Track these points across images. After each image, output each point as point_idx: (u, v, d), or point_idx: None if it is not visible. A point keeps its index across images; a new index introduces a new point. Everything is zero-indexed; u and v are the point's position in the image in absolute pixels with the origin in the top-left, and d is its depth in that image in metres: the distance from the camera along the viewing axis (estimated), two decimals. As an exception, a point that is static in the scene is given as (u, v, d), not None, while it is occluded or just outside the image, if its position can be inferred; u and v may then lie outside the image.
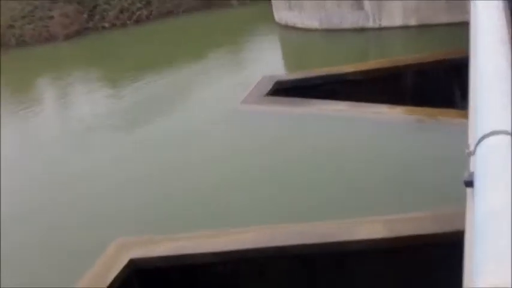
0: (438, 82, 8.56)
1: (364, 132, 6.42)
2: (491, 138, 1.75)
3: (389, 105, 7.01)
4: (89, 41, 16.01)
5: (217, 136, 7.04)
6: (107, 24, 17.00)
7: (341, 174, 5.46)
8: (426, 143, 5.81)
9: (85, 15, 16.96)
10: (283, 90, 8.37)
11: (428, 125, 6.23)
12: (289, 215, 4.74)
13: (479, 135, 1.82)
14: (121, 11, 17.16)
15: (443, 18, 10.94)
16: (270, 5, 13.95)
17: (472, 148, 1.82)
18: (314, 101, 7.52)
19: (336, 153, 5.97)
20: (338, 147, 6.15)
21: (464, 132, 2.62)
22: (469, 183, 1.77)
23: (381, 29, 11.66)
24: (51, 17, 16.73)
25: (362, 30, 11.77)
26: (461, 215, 2.07)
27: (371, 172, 5.38)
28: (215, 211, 5.16)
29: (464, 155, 1.91)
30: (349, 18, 11.96)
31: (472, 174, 1.74)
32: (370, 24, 11.78)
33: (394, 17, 11.54)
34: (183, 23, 16.52)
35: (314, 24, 12.53)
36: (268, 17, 13.98)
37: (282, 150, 6.31)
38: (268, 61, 10.85)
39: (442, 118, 6.20)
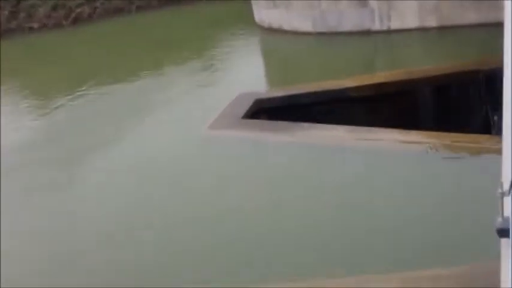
0: (465, 100, 8.68)
1: (371, 167, 6.41)
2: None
3: (403, 131, 7.06)
4: (11, 46, 15.92)
5: (173, 175, 6.96)
6: (35, 25, 16.96)
7: (339, 229, 5.40)
8: (450, 180, 5.82)
9: (6, 13, 16.91)
10: (265, 111, 8.40)
11: (452, 156, 6.26)
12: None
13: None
14: (54, 8, 17.16)
15: (471, 18, 11.16)
16: (248, 3, 14.11)
17: (506, 187, 1.80)
18: (305, 125, 7.54)
19: (334, 199, 5.92)
20: (336, 189, 6.11)
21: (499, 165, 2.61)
22: (503, 232, 1.74)
23: (390, 32, 11.84)
24: (-39, 15, 16.67)
25: (366, 33, 11.93)
26: (495, 271, 2.04)
27: (379, 224, 5.34)
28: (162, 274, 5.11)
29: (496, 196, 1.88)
30: (351, 19, 12.14)
31: (506, 220, 1.71)
32: (377, 26, 11.97)
33: (408, 17, 11.75)
34: (136, 24, 16.56)
35: (306, 26, 12.68)
36: (246, 17, 14.14)
37: (260, 193, 6.25)
38: (246, 75, 10.89)
39: (471, 147, 6.24)
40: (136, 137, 8.50)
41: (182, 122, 8.62)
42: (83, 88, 11.30)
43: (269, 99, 8.69)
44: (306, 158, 6.87)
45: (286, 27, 13.07)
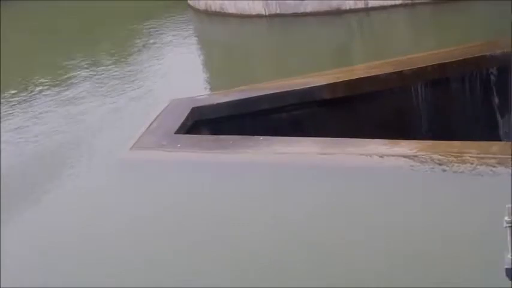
0: (470, 96, 8.81)
1: (350, 194, 6.46)
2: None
3: (392, 141, 7.13)
4: None
5: (76, 217, 6.90)
6: None
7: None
8: (452, 206, 5.90)
9: None
10: (207, 122, 8.44)
11: (452, 173, 6.34)
12: None
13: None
14: None
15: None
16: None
17: None
18: (260, 139, 7.56)
19: (297, 245, 5.92)
20: (301, 229, 6.13)
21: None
22: None
23: (368, 10, 11.97)
24: None
25: (336, 14, 12.04)
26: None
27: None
28: None
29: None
30: (315, -4, 12.26)
31: None
32: (351, 4, 12.10)
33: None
34: (21, 8, 16.50)
35: (256, 7, 12.75)
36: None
37: (197, 240, 6.21)
38: (177, 76, 10.87)
39: (475, 159, 6.35)
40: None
41: (93, 143, 8.57)
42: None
43: (211, 107, 8.69)
44: (264, 185, 6.88)
45: (229, 9, 13.13)
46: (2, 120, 10.16)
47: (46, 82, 11.67)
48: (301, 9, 12.24)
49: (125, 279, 5.82)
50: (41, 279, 6.04)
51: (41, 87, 11.43)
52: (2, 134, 9.61)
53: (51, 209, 7.28)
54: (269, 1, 12.51)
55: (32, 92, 11.26)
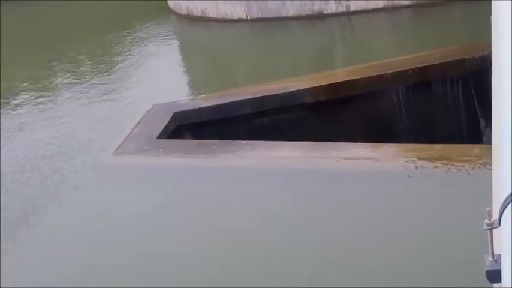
0: (451, 99, 8.85)
1: (332, 197, 6.46)
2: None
3: (374, 145, 7.15)
4: None
5: (59, 223, 6.86)
6: None
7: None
8: (432, 210, 5.92)
9: None
10: (189, 127, 8.42)
11: (434, 175, 6.39)
12: None
13: (507, 192, 1.82)
14: None
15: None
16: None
17: (495, 216, 1.83)
18: (243, 143, 7.56)
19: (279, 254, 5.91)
20: (285, 231, 6.13)
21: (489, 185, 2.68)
22: (494, 276, 1.77)
23: (349, 14, 11.99)
24: None
25: (318, 18, 12.05)
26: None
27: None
28: None
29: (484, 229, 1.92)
30: (296, 1, 12.26)
31: (497, 261, 1.74)
32: (332, 7, 12.12)
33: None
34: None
35: (237, 11, 12.75)
36: (158, 2, 14.14)
37: (180, 242, 6.22)
38: (158, 81, 10.83)
39: (457, 162, 6.36)
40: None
41: (75, 147, 8.52)
42: None
43: (193, 112, 8.68)
44: (246, 190, 6.87)
45: (211, 13, 13.13)
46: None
47: (26, 91, 11.61)
48: (283, 14, 12.26)
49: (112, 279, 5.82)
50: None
51: (19, 97, 11.36)
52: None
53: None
54: (251, 5, 12.53)
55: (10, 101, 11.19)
